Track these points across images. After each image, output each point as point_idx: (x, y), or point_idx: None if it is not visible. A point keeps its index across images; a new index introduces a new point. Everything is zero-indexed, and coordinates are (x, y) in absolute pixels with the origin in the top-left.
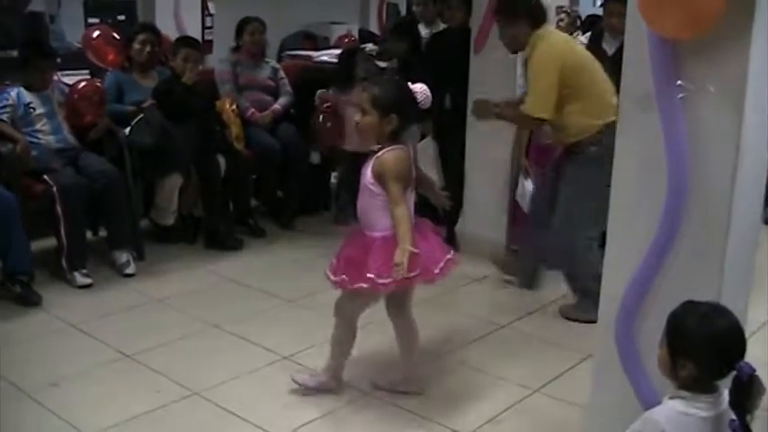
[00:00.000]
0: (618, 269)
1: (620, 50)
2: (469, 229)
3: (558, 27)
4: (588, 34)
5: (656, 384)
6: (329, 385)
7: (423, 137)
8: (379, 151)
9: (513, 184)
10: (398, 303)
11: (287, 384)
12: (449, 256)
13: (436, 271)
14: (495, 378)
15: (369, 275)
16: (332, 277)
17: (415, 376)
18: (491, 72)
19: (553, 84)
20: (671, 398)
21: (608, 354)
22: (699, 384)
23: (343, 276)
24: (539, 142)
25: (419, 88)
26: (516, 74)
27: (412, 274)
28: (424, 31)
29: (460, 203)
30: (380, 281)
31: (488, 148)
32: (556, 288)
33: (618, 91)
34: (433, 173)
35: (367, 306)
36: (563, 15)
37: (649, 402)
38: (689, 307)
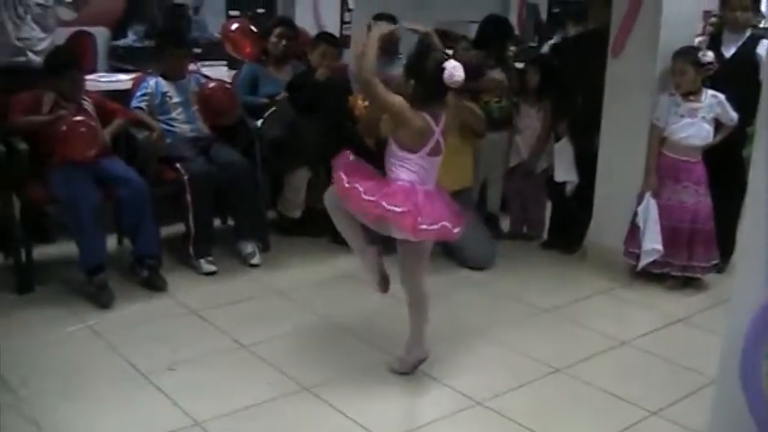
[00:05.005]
0: (746, 294)
1: (739, 52)
2: (597, 238)
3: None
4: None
5: None
6: (421, 356)
7: (558, 138)
8: None
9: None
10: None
11: (398, 383)
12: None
13: (455, 231)
14: (611, 396)
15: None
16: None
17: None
18: (628, 77)
19: None
20: None
21: (730, 384)
22: None
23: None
24: (672, 156)
25: (450, 65)
26: (654, 79)
27: (434, 227)
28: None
29: (591, 210)
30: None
31: (622, 157)
32: (684, 306)
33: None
34: (570, 174)
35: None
36: (713, 19)
37: None
38: None
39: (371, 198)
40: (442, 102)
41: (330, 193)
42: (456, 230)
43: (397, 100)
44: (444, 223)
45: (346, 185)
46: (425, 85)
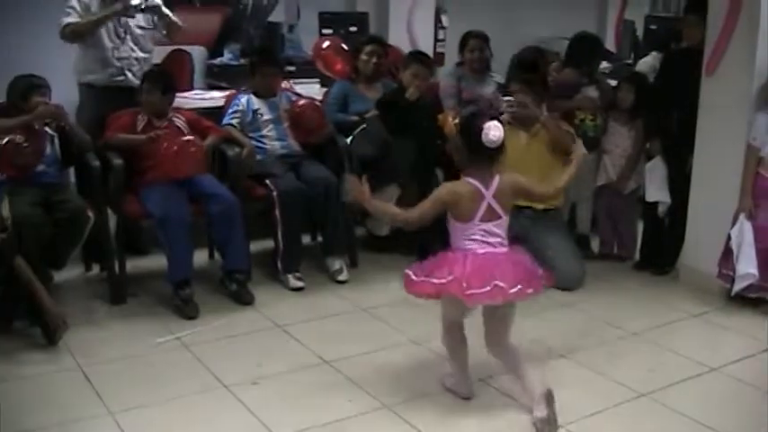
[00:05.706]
0: None
1: None
2: (690, 260)
3: None
4: None
5: None
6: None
7: (650, 157)
8: None
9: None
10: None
11: (479, 404)
12: (537, 284)
13: (511, 291)
14: (699, 425)
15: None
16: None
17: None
18: (724, 95)
19: None
20: None
21: None
22: None
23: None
24: None
25: (487, 125)
26: (751, 97)
27: (484, 290)
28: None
29: (683, 232)
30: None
31: (717, 177)
32: None
33: None
34: (662, 193)
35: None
36: None
37: None
38: None
39: (422, 279)
40: (490, 164)
41: (444, 326)
42: (514, 291)
43: (438, 193)
44: (497, 283)
45: (405, 281)
46: (467, 146)
